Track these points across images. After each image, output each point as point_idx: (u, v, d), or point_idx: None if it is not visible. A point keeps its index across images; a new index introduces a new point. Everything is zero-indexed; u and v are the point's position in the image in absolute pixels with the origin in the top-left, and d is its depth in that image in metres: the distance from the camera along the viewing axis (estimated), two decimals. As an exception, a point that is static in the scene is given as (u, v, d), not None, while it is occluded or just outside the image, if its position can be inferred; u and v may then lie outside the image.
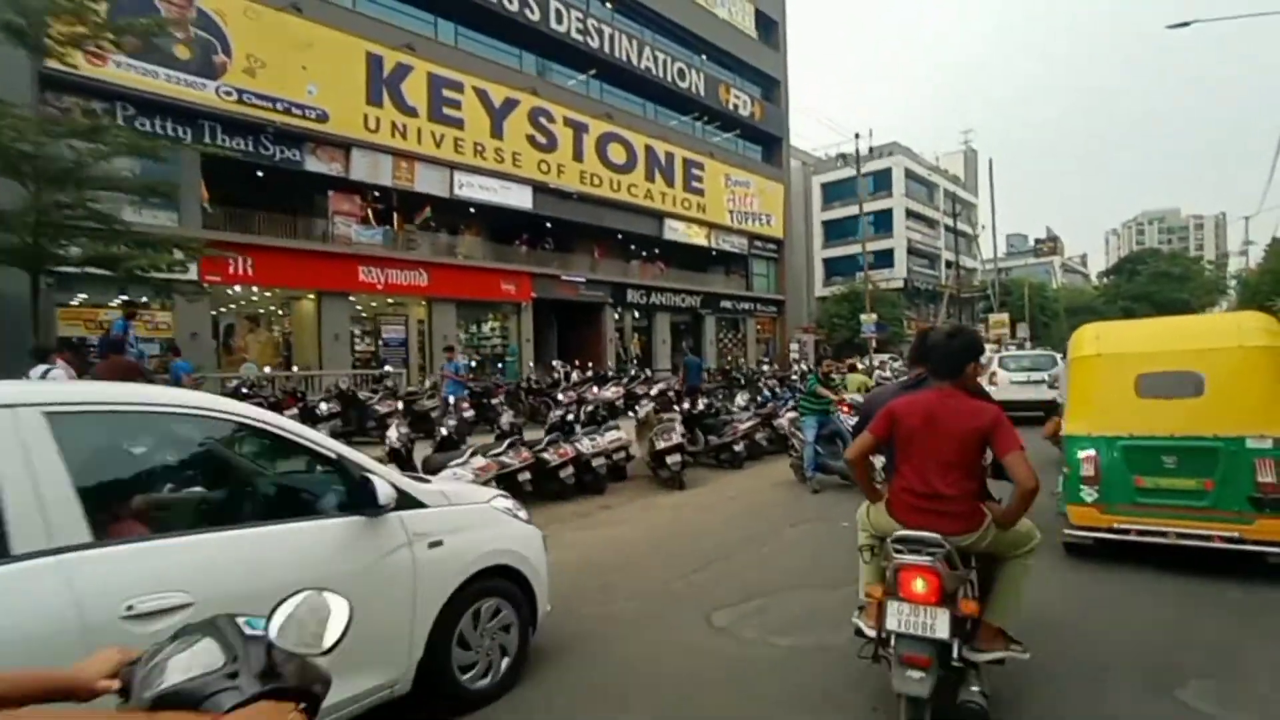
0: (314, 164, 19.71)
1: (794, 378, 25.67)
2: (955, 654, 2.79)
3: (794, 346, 35.47)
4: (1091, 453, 5.34)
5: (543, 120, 24.99)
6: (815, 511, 7.83)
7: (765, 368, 27.22)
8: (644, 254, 31.64)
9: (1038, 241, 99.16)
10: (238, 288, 19.13)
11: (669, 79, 30.03)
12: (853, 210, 55.92)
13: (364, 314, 22.16)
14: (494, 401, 13.45)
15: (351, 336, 20.73)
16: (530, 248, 25.60)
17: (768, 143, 37.26)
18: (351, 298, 20.95)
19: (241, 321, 20.26)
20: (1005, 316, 45.24)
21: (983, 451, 2.99)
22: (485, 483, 7.17)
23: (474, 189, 23.14)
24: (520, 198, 24.39)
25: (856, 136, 33.16)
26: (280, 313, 21.37)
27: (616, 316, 29.11)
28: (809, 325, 52.78)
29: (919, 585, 2.77)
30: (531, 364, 23.26)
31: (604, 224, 27.64)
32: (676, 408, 12.28)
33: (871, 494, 3.30)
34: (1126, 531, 5.23)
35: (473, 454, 7.96)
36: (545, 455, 8.50)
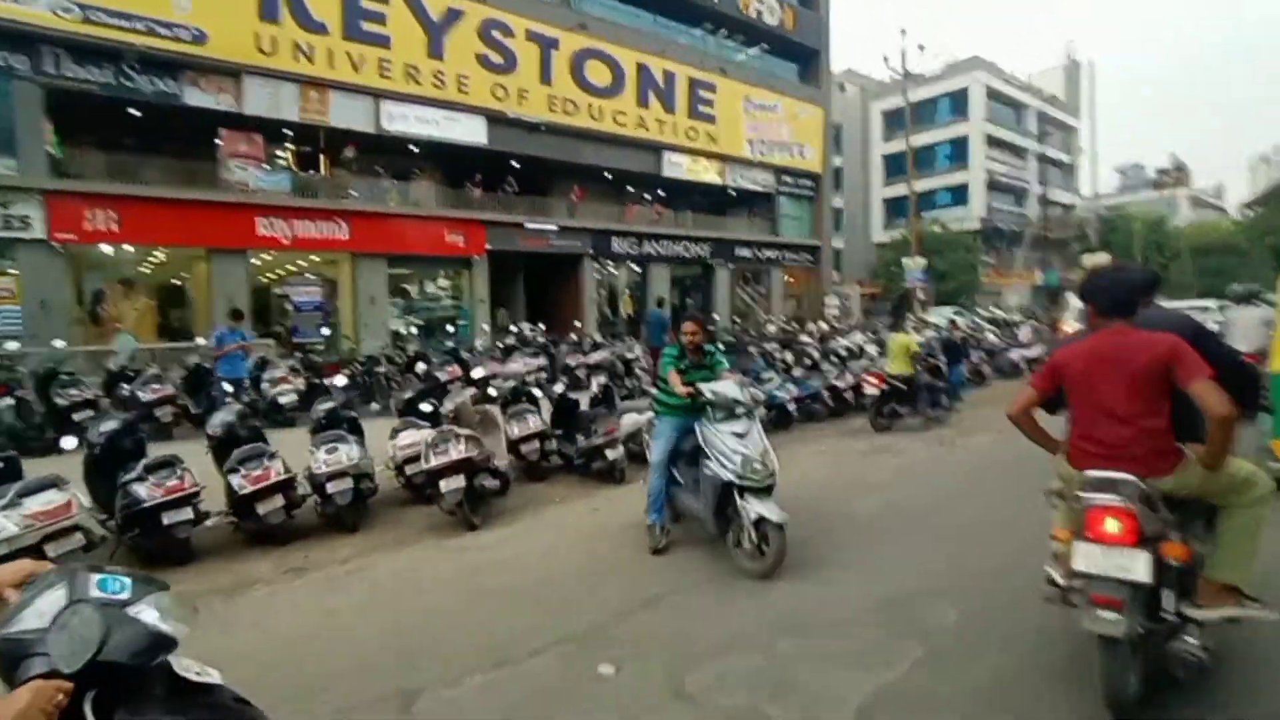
0: (197, 97, 17.67)
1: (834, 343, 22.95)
2: (1169, 607, 2.83)
3: (831, 302, 32.34)
4: None
5: (496, 35, 22.38)
6: (665, 584, 4.96)
7: (771, 328, 24.28)
8: (646, 196, 28.97)
9: (1160, 172, 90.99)
10: (106, 247, 17.49)
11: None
12: (918, 141, 51.87)
13: (270, 275, 20.38)
14: (330, 383, 11.11)
15: (253, 301, 18.90)
16: (486, 191, 23.19)
17: (803, 58, 33.59)
18: (254, 257, 19.16)
19: (113, 286, 18.59)
20: (1104, 257, 40.43)
21: (1166, 385, 2.93)
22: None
23: (408, 122, 20.83)
24: (470, 131, 21.97)
25: (918, 47, 29.37)
26: (168, 275, 19.77)
27: (600, 270, 26.70)
28: (861, 279, 49.57)
29: (1110, 525, 2.81)
30: (487, 328, 21.18)
31: (583, 160, 24.96)
32: (540, 392, 9.98)
33: (1049, 443, 3.39)
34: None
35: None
36: (235, 481, 6.18)
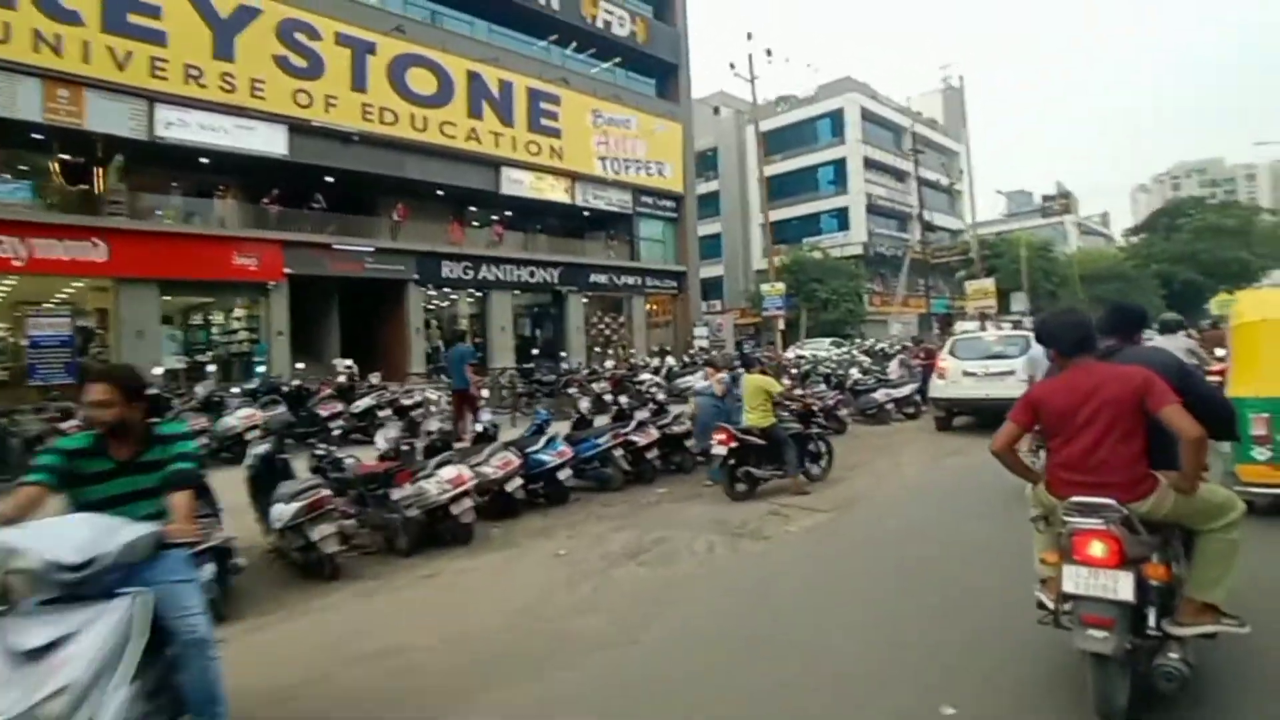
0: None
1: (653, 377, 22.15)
2: (1152, 624, 3.10)
3: (701, 332, 31.76)
4: (1265, 414, 5.99)
5: (300, 37, 21.02)
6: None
7: (609, 363, 23.25)
8: (492, 216, 27.90)
9: (1046, 199, 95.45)
10: None
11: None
12: (797, 164, 52.68)
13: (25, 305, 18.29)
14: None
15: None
16: (289, 207, 21.61)
17: (661, 73, 33.37)
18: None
19: None
20: (990, 283, 40.71)
21: (1139, 416, 3.21)
22: None
23: (190, 129, 19.19)
24: (268, 140, 20.45)
25: (765, 52, 29.39)
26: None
27: (431, 297, 25.41)
28: (743, 306, 49.56)
29: (1096, 549, 3.07)
30: (299, 366, 19.29)
31: (408, 175, 23.70)
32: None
33: (1029, 475, 3.66)
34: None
35: None
36: None
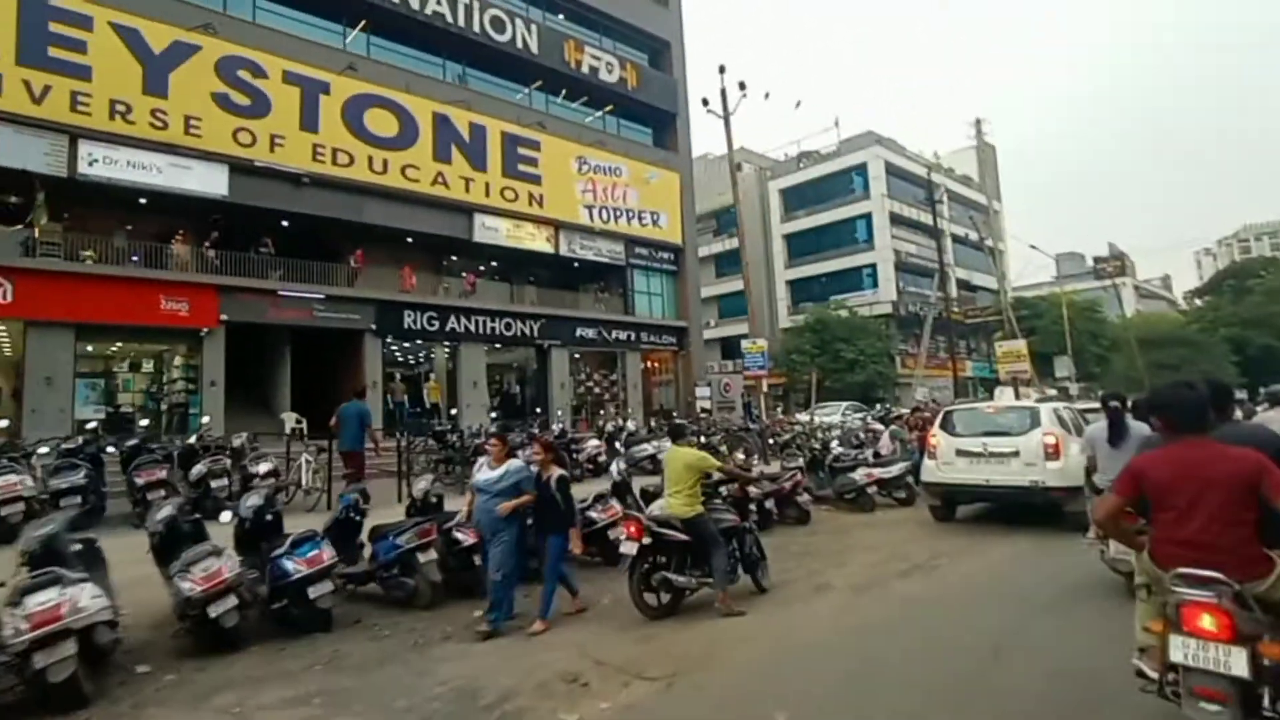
0: None
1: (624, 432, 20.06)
2: (1267, 706, 2.94)
3: (703, 392, 29.41)
4: None
5: (242, 74, 19.90)
6: None
7: (558, 426, 20.82)
8: (479, 266, 26.43)
9: (1098, 260, 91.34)
10: None
11: (476, 28, 25.05)
12: (818, 220, 50.70)
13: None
14: None
15: None
16: (231, 250, 20.22)
17: (657, 122, 32.05)
18: None
19: None
20: (1022, 344, 36.90)
21: (1252, 498, 3.12)
22: None
23: (118, 167, 17.99)
24: (205, 180, 19.14)
25: (739, 85, 27.69)
26: None
27: (396, 349, 23.73)
28: (760, 371, 47.04)
29: (1206, 621, 3.00)
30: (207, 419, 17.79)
31: (366, 219, 22.27)
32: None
33: (1133, 543, 3.62)
34: None
35: None
36: None
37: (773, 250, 52.02)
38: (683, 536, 6.49)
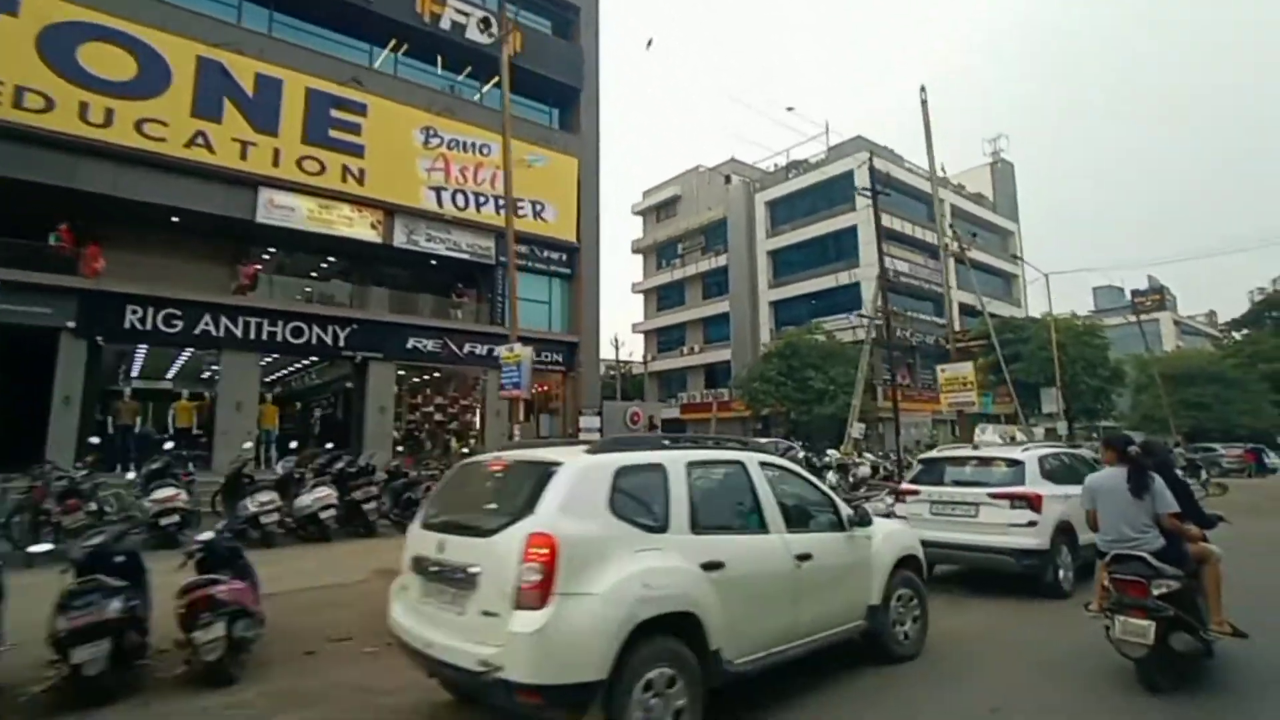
0: None
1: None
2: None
3: (587, 423, 23.11)
4: None
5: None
6: None
7: (373, 458, 14.72)
8: (266, 254, 20.81)
9: (1135, 294, 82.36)
10: None
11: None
12: (804, 235, 44.32)
13: None
14: None
15: None
16: None
17: (561, 99, 26.20)
18: None
19: None
20: (967, 368, 27.16)
21: None
22: None
23: None
24: None
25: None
26: None
27: (117, 355, 18.06)
28: (726, 399, 40.97)
29: None
30: None
31: (78, 185, 16.66)
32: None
33: None
34: None
35: None
36: None
37: (757, 268, 45.97)
38: None
